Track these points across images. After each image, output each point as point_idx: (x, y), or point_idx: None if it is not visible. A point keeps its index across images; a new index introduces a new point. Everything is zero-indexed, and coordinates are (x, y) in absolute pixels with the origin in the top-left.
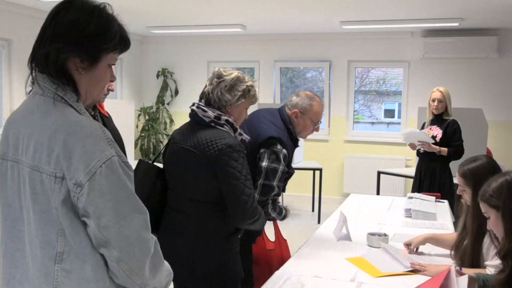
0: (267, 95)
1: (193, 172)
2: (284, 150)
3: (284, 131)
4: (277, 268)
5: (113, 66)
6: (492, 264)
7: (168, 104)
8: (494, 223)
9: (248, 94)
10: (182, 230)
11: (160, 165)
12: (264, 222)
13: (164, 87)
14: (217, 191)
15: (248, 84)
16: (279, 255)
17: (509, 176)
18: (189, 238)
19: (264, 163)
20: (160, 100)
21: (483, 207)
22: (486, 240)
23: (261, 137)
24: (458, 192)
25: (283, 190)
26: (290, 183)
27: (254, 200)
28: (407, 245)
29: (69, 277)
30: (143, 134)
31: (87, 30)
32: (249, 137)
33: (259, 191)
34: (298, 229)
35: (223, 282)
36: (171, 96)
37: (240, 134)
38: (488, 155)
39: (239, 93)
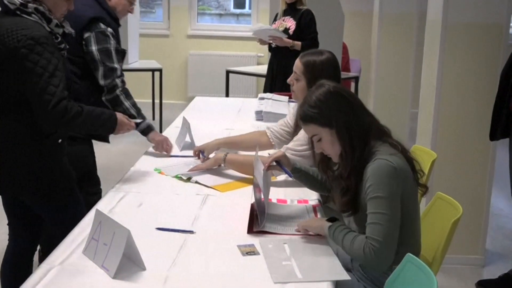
0: None
1: None
2: (109, 29)
3: (101, 11)
4: None
5: None
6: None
7: None
8: (328, 143)
9: None
10: None
11: None
12: (94, 126)
13: None
14: (19, 88)
15: None
16: None
17: (329, 87)
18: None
19: (93, 47)
20: None
21: (312, 130)
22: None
23: (82, 20)
24: (289, 80)
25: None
26: None
27: (63, 100)
28: (200, 152)
29: None
30: None
31: None
32: (73, 30)
33: (102, 75)
34: (136, 141)
35: (41, 188)
36: None
37: (59, 26)
38: (344, 50)
39: None
